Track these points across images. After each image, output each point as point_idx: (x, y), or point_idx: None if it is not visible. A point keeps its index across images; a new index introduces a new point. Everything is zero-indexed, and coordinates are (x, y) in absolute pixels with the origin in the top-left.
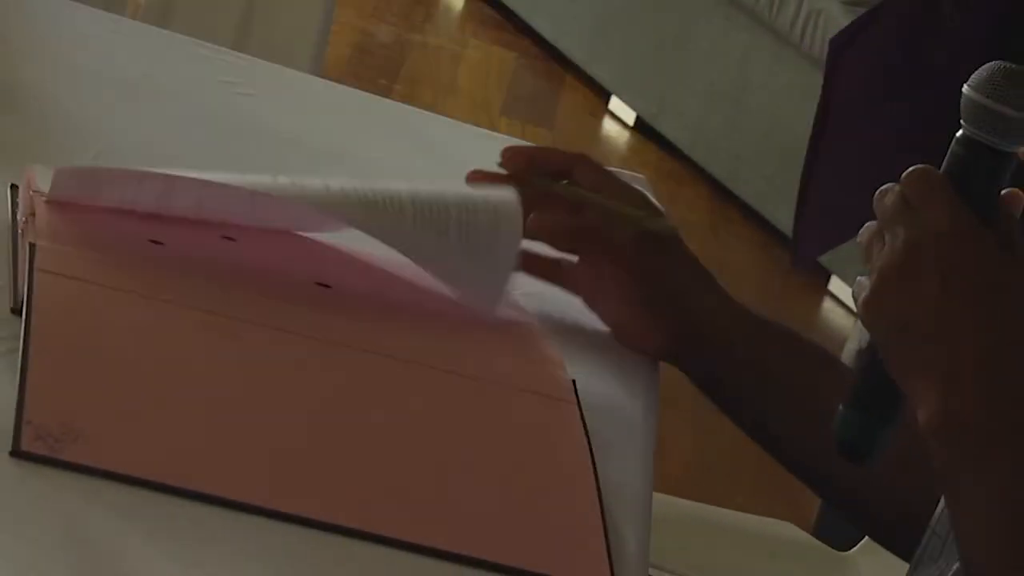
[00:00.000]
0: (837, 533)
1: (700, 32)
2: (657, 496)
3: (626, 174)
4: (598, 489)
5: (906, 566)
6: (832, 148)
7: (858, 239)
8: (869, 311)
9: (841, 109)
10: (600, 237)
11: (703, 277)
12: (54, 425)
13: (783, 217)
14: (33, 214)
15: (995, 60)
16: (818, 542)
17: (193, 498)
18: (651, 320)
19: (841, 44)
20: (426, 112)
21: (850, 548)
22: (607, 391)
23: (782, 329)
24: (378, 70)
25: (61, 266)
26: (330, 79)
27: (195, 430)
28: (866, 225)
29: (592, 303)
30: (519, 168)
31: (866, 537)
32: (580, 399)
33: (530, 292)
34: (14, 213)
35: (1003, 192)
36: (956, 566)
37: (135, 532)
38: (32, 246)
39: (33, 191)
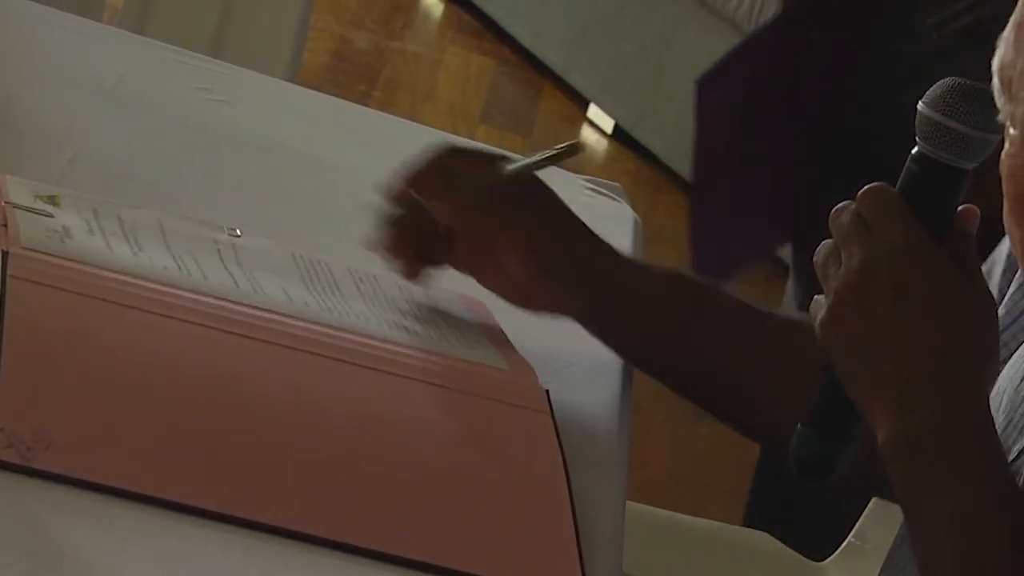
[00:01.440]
0: (812, 543)
1: (679, 40)
2: (631, 505)
3: (603, 183)
4: (571, 499)
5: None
6: (704, 186)
7: (815, 258)
8: (825, 332)
9: (708, 148)
10: (489, 214)
11: (580, 229)
12: (26, 433)
13: None
14: (5, 225)
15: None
16: (793, 552)
17: (166, 507)
18: (543, 283)
19: (706, 83)
20: (404, 120)
21: (825, 558)
22: (581, 401)
23: (667, 272)
24: (357, 77)
25: (34, 273)
26: (308, 86)
27: (168, 439)
28: (822, 244)
29: (481, 277)
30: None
31: (841, 547)
32: (553, 409)
33: (502, 304)
34: None
35: (958, 209)
36: None
37: (106, 541)
38: (4, 253)
39: (5, 202)
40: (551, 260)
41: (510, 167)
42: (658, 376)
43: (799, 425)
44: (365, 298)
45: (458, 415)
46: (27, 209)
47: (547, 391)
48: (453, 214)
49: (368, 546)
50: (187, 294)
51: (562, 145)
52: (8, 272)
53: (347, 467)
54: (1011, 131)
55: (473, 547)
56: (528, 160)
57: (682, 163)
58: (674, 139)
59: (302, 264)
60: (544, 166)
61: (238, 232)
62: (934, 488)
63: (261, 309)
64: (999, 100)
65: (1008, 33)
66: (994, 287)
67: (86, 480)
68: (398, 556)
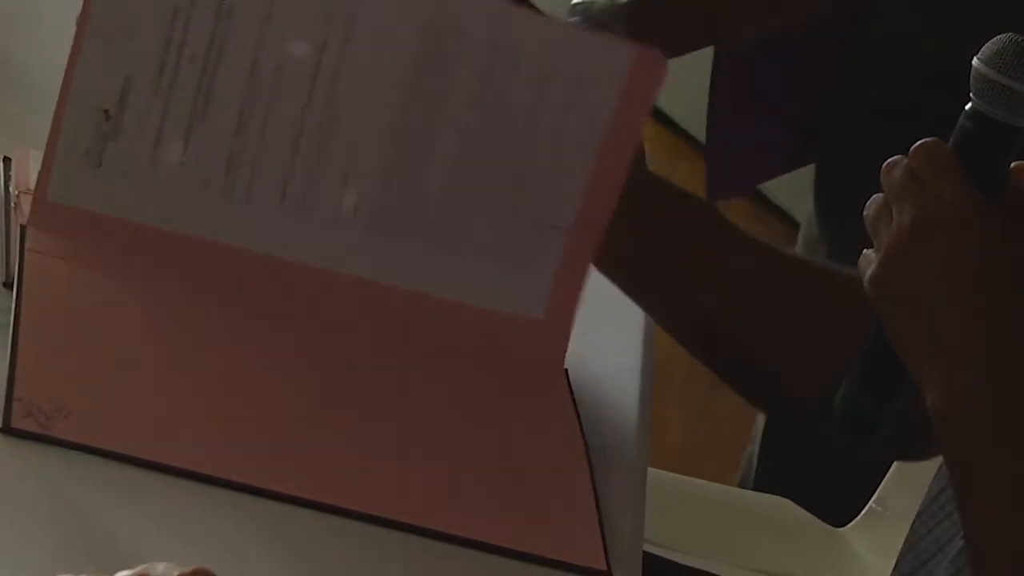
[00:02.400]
0: (833, 509)
1: None
2: (652, 472)
3: None
4: (590, 470)
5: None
6: (729, 88)
7: (865, 212)
8: (875, 287)
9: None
10: None
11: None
12: (44, 402)
13: (775, 189)
14: (25, 191)
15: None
16: (813, 518)
17: (180, 475)
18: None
19: None
20: None
21: (845, 524)
22: (601, 368)
23: (699, 208)
24: None
25: (52, 246)
26: None
27: (184, 408)
28: (873, 198)
29: None
30: None
31: (862, 513)
32: (576, 376)
33: None
34: (7, 185)
35: (1012, 165)
36: (960, 545)
37: (123, 508)
38: (23, 228)
39: (22, 191)
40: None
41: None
42: (677, 335)
43: (845, 381)
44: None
45: (478, 390)
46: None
47: (565, 369)
48: None
49: (388, 516)
50: (207, 259)
51: None
52: (27, 246)
53: (364, 439)
54: None
55: (493, 518)
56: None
57: (701, 128)
58: (694, 104)
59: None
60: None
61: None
62: (984, 451)
63: (288, 266)
64: None
65: None
66: None
67: (102, 448)
68: (417, 526)
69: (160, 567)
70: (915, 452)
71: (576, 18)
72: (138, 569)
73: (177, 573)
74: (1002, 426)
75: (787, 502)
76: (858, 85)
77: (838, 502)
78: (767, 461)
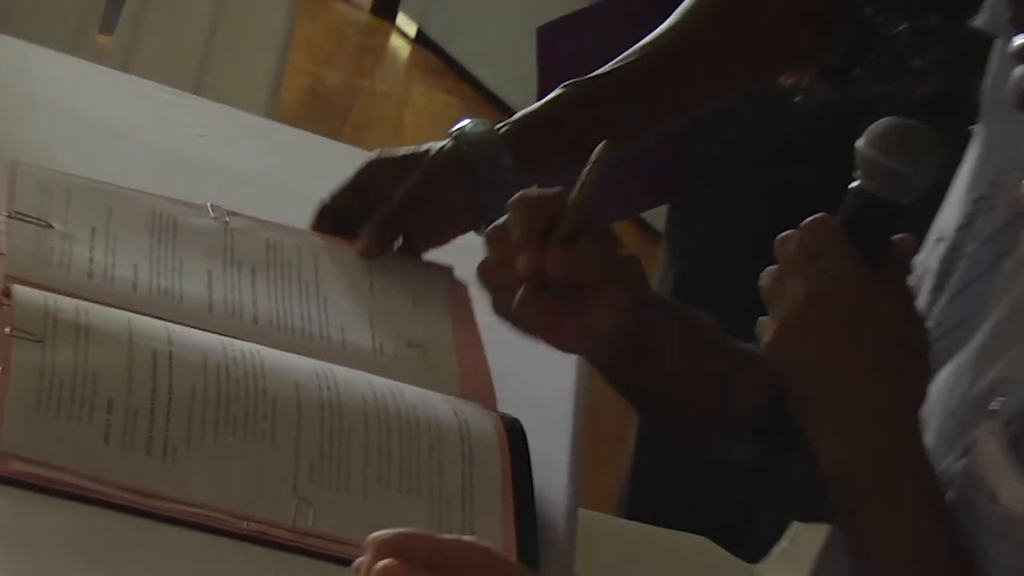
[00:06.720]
0: (749, 545)
1: None
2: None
3: None
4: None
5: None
6: None
7: (760, 282)
8: (772, 353)
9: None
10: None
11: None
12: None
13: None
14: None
15: None
16: (730, 554)
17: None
18: (604, 338)
19: (549, 33)
20: None
21: (760, 560)
22: (535, 409)
23: (707, 330)
24: (329, 113)
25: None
26: (284, 121)
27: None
28: (767, 270)
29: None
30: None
31: (775, 549)
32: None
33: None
34: None
35: (894, 238)
36: None
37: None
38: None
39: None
40: (629, 324)
41: (571, 197)
42: (636, 407)
43: (745, 436)
44: (326, 303)
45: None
46: (26, 219)
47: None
48: (568, 266)
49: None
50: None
51: (595, 154)
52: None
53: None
54: None
55: None
56: (580, 183)
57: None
58: None
59: (273, 262)
60: (594, 178)
61: (226, 219)
62: (881, 508)
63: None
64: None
65: None
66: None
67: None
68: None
69: None
70: (810, 514)
71: (459, 145)
72: None
73: None
74: (896, 483)
75: (704, 539)
76: (719, 125)
77: (754, 538)
78: (642, 486)
